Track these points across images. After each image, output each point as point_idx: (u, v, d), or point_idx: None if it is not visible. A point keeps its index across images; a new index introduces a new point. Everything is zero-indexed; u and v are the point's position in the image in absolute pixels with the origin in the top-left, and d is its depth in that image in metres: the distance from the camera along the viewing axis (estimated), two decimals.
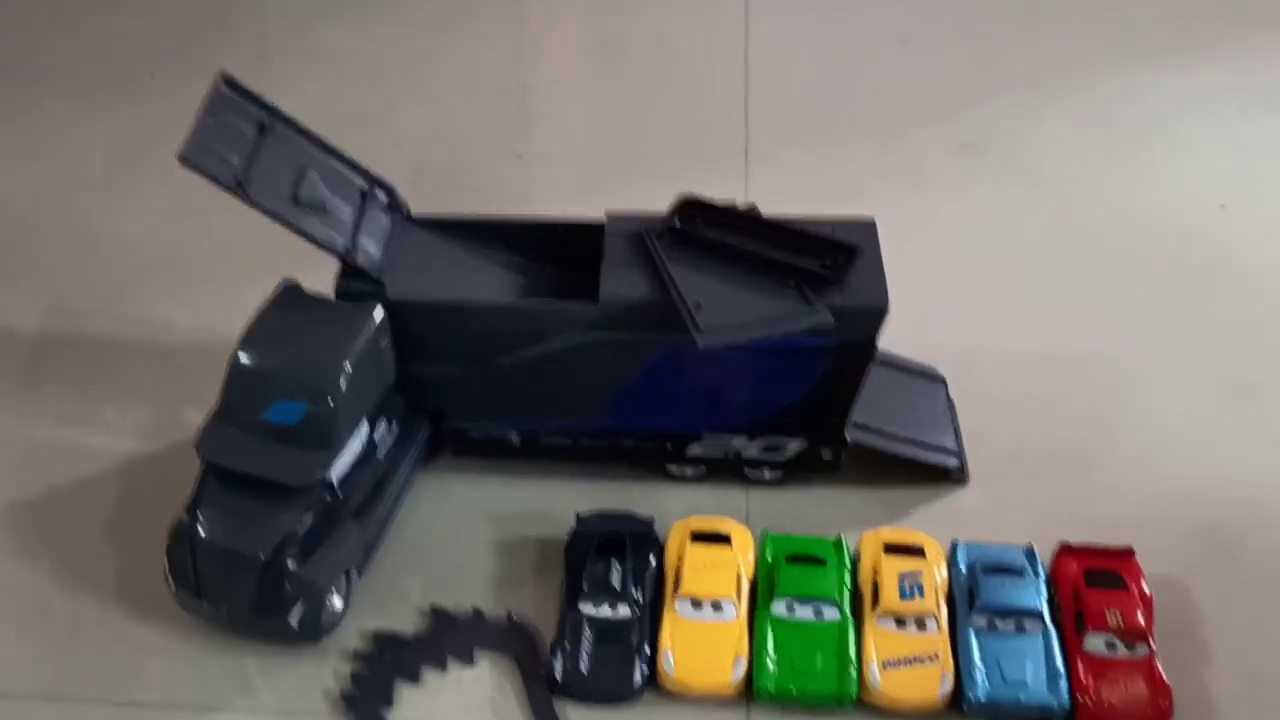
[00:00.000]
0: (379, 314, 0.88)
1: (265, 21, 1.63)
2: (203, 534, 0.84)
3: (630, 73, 1.55)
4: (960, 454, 1.04)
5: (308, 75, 1.50)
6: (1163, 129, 1.45)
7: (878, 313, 0.89)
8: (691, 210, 0.94)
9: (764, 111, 1.47)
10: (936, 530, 0.97)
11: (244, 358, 0.85)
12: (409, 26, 1.61)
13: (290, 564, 0.85)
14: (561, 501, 1.01)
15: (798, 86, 1.51)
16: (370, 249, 0.91)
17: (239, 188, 0.85)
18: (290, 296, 0.89)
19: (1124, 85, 1.51)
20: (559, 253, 1.00)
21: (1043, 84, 1.52)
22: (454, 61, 1.55)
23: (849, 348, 0.91)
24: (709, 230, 0.92)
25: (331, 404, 0.84)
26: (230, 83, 0.87)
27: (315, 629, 0.87)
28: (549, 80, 1.55)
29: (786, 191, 1.34)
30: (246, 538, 0.84)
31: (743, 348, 0.88)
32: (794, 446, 0.99)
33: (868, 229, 0.95)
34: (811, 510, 1.02)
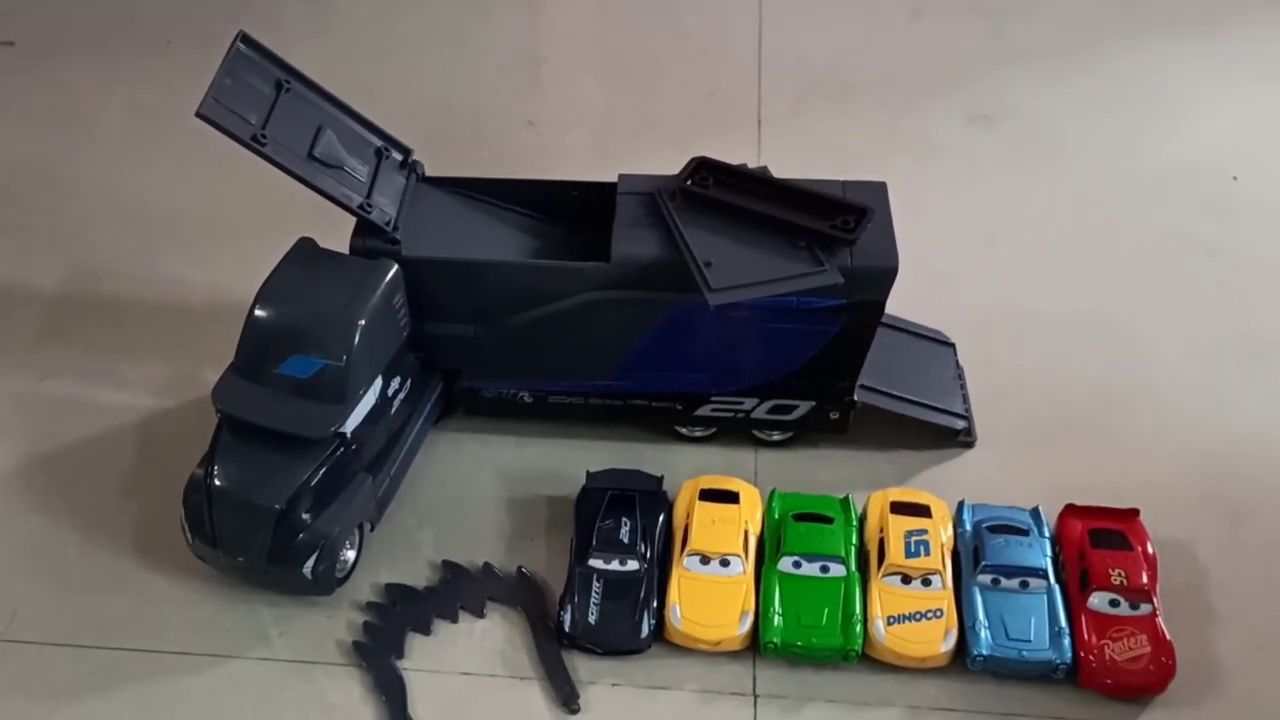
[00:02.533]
0: (393, 271, 0.89)
1: None
2: (219, 485, 0.86)
3: (643, 42, 1.55)
4: (968, 417, 1.05)
5: (322, 43, 1.51)
6: (1176, 100, 1.44)
7: (888, 273, 0.90)
8: (703, 171, 0.94)
9: (777, 81, 1.47)
10: (943, 492, 0.98)
11: (259, 312, 0.86)
12: None
13: (305, 515, 0.86)
14: (572, 460, 1.02)
15: (810, 57, 1.51)
16: (385, 207, 0.92)
17: (256, 143, 0.85)
18: (306, 252, 0.90)
19: (1138, 56, 1.51)
20: (571, 212, 1.01)
21: (1056, 55, 1.51)
22: (468, 30, 1.56)
23: (858, 308, 0.91)
24: (721, 191, 0.93)
25: (346, 359, 0.85)
26: (248, 41, 0.88)
27: (329, 580, 0.89)
28: (562, 49, 1.56)
29: (798, 160, 1.34)
30: (262, 489, 0.85)
31: (752, 308, 0.89)
32: (802, 408, 1.00)
33: (879, 190, 0.96)
34: (819, 470, 1.03)
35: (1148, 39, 1.53)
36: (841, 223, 0.90)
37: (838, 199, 0.92)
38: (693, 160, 0.95)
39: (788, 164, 1.32)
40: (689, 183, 0.94)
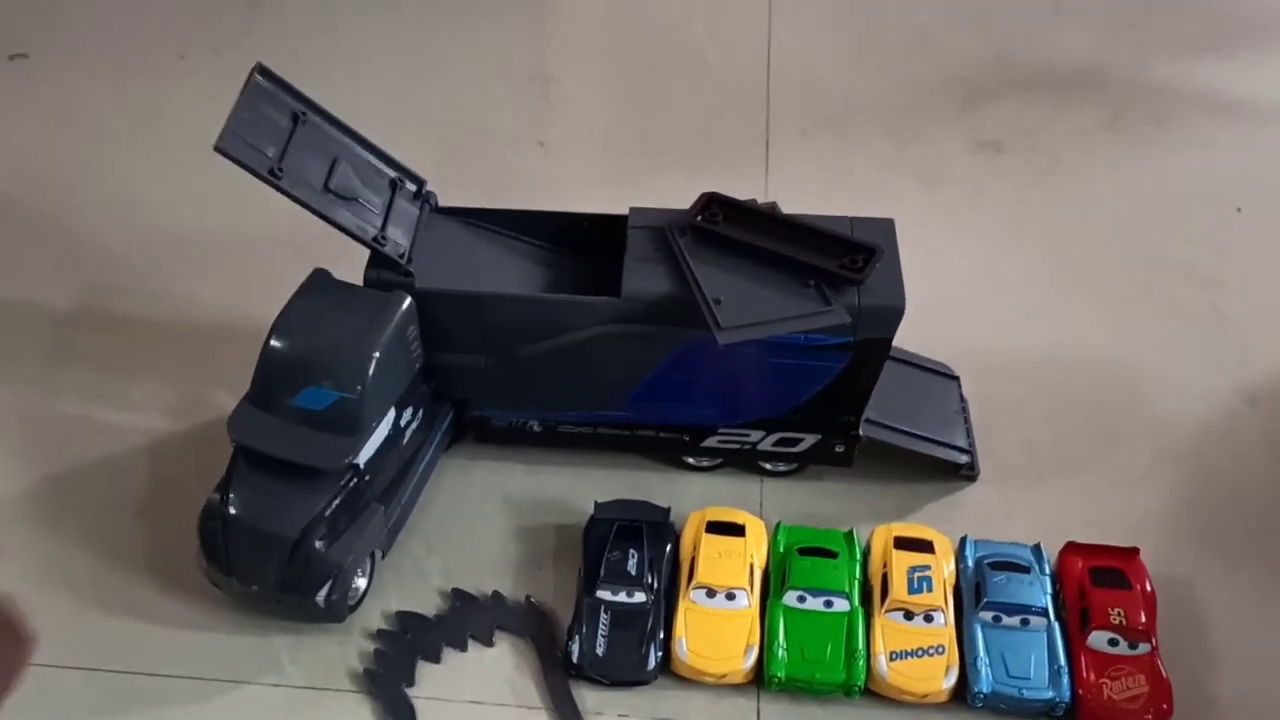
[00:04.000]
0: (407, 303, 0.90)
1: (290, 6, 1.65)
2: (234, 514, 0.87)
3: (652, 61, 1.56)
4: (971, 451, 1.06)
5: (334, 60, 1.52)
6: (1181, 130, 1.45)
7: (894, 313, 0.91)
8: (714, 207, 0.95)
9: (785, 105, 1.48)
10: (946, 526, 0.99)
11: (275, 344, 0.87)
12: (435, 13, 1.63)
13: (318, 545, 0.87)
14: (580, 488, 1.03)
15: (818, 81, 1.52)
16: (399, 239, 0.93)
17: (273, 177, 0.86)
18: (321, 284, 0.91)
19: (1144, 85, 1.52)
20: (582, 243, 1.02)
21: (1063, 82, 1.53)
22: (479, 49, 1.57)
23: (865, 346, 0.93)
24: (730, 227, 0.94)
25: (360, 391, 0.86)
26: (265, 73, 0.89)
27: (340, 608, 0.90)
28: (572, 70, 1.57)
29: (806, 185, 1.37)
30: (277, 518, 0.86)
31: (761, 344, 0.90)
32: (808, 440, 1.01)
33: (886, 228, 0.97)
34: (824, 502, 1.04)
35: (1152, 68, 1.54)
36: (849, 262, 0.91)
37: (846, 238, 0.93)
38: (703, 196, 0.96)
39: (795, 188, 1.34)
40: (699, 218, 0.95)
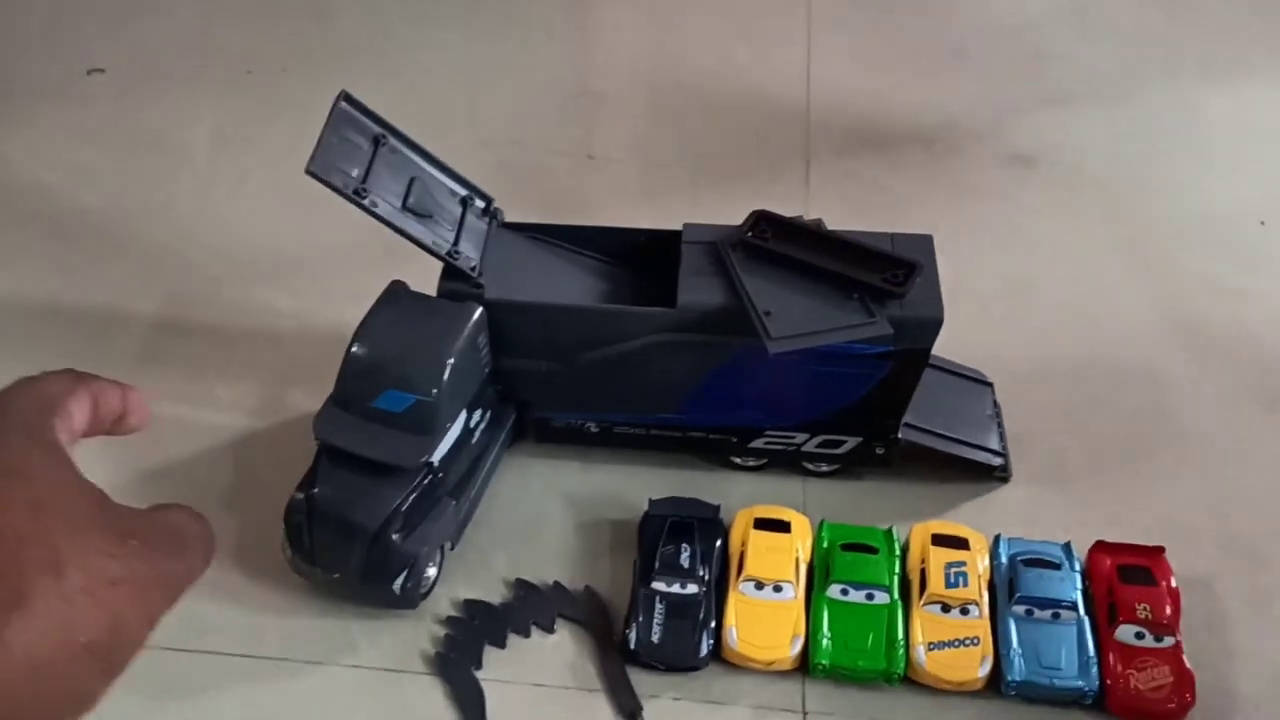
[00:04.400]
0: (478, 313, 0.97)
1: (353, 27, 1.72)
2: (319, 506, 0.94)
3: (696, 84, 1.62)
4: (1004, 454, 1.12)
5: (392, 78, 1.59)
6: (1210, 144, 1.51)
7: (934, 324, 0.97)
8: (763, 224, 1.02)
9: (824, 121, 1.54)
10: (980, 524, 1.05)
11: (358, 350, 0.94)
12: (488, 33, 1.70)
13: (395, 537, 0.94)
14: (634, 486, 1.10)
15: (857, 98, 1.58)
16: (470, 253, 1.00)
17: (358, 196, 0.93)
18: (398, 295, 0.98)
19: (1174, 100, 1.57)
20: (638, 257, 1.08)
21: (1093, 97, 1.58)
22: (531, 67, 1.64)
23: (905, 355, 0.99)
24: (779, 243, 1.00)
25: (436, 394, 0.93)
26: (350, 100, 0.95)
27: (414, 596, 0.97)
28: (619, 84, 1.63)
29: (845, 200, 1.43)
30: (359, 511, 0.93)
31: (807, 353, 0.96)
32: (850, 443, 1.07)
33: (925, 243, 1.02)
34: (864, 501, 1.10)
35: (1184, 84, 1.59)
36: (891, 276, 0.97)
37: (887, 253, 0.99)
38: (753, 214, 1.02)
39: (834, 202, 1.40)
40: (749, 234, 1.01)
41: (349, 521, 0.93)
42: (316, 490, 0.94)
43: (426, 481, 0.96)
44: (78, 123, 1.54)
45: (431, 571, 0.99)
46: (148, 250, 1.36)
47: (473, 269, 0.99)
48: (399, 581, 0.95)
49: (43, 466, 0.45)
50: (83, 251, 1.35)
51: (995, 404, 1.16)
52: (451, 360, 0.94)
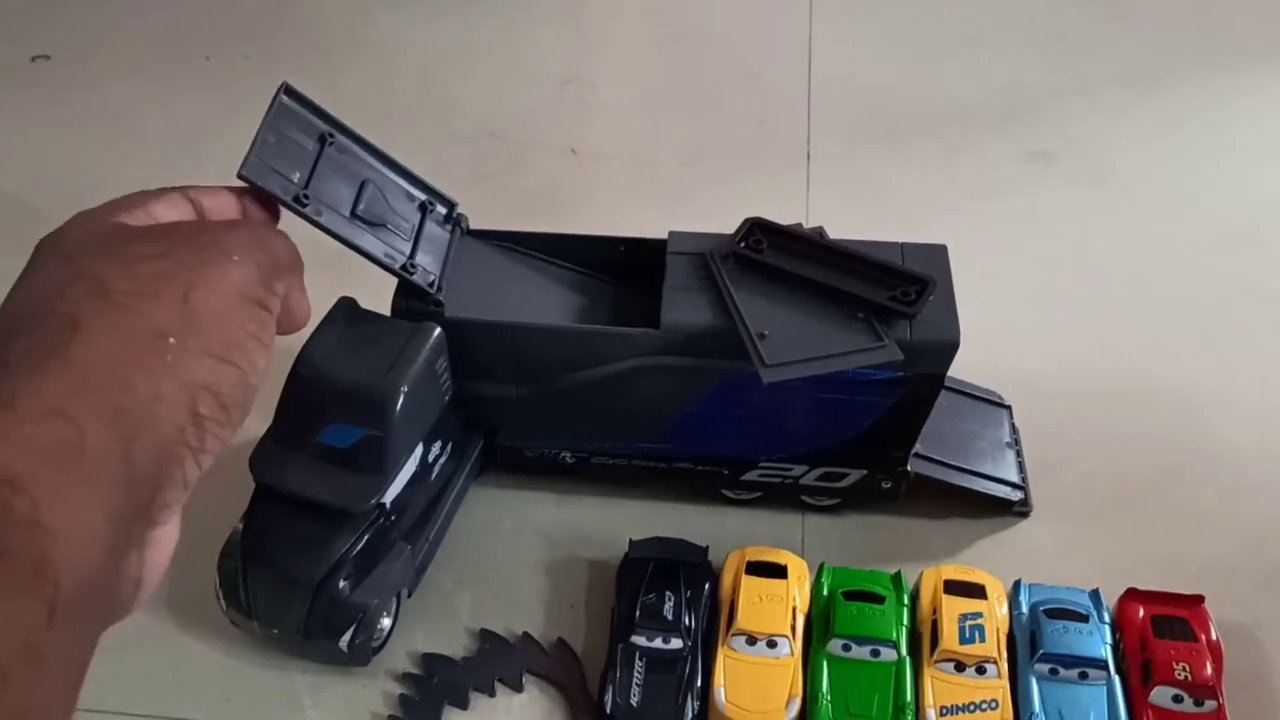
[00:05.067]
0: (436, 334, 0.86)
1: (321, 6, 1.61)
2: (255, 556, 0.83)
3: (691, 66, 1.52)
4: (1024, 486, 1.01)
5: (362, 64, 1.48)
6: (1243, 139, 1.40)
7: (948, 347, 0.86)
8: (757, 233, 0.91)
9: (827, 113, 1.43)
10: (998, 566, 0.94)
11: (298, 379, 0.83)
12: (466, 15, 1.59)
13: (342, 588, 0.84)
14: (614, 520, 0.99)
15: (862, 88, 1.47)
16: (429, 266, 0.89)
17: (298, 204, 0.82)
18: (347, 314, 0.87)
19: (1204, 91, 1.46)
20: (620, 268, 0.98)
21: (1118, 88, 1.47)
22: (511, 52, 1.53)
23: (916, 381, 0.88)
24: (775, 255, 0.89)
25: (387, 428, 0.82)
26: (291, 93, 0.84)
27: (365, 652, 0.87)
28: (607, 75, 1.52)
29: (849, 197, 1.32)
30: (299, 562, 0.83)
31: (807, 380, 0.85)
32: (853, 476, 0.97)
33: (938, 254, 0.91)
34: (869, 539, 0.99)
35: (1214, 75, 1.48)
36: (901, 294, 0.86)
37: (897, 267, 0.88)
38: (746, 221, 0.91)
39: (837, 201, 1.29)
40: (742, 245, 0.90)
41: (288, 574, 0.83)
42: (252, 536, 0.84)
43: (378, 525, 0.85)
44: (20, 112, 1.43)
45: (385, 623, 0.89)
46: None
47: (431, 284, 0.88)
48: (346, 637, 0.85)
49: (88, 227, 0.54)
50: (22, 253, 1.24)
51: (1014, 429, 1.05)
52: (405, 389, 0.83)
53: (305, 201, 0.82)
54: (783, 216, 0.92)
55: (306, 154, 0.84)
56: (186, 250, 0.51)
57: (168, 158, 1.38)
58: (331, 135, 0.85)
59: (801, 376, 0.83)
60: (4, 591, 0.39)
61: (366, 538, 0.85)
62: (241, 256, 0.53)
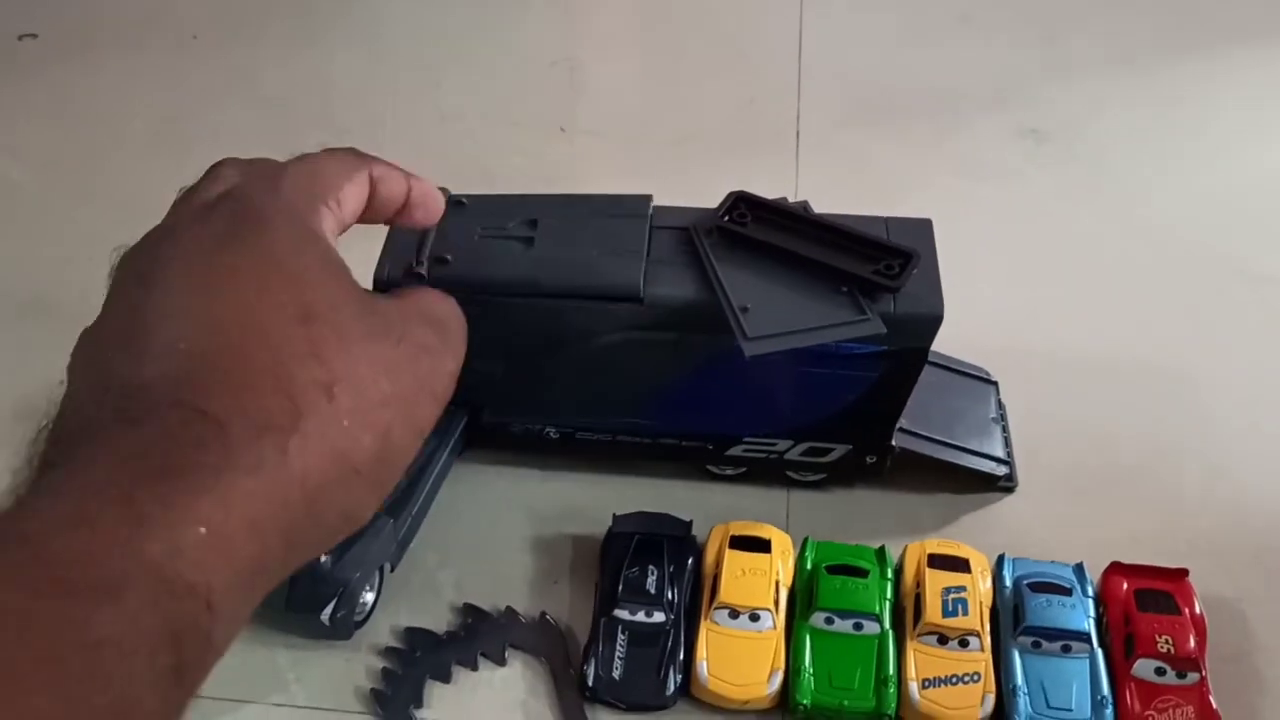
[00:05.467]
0: None
1: None
2: None
3: (680, 50, 1.51)
4: (1010, 462, 1.01)
5: (350, 44, 1.47)
6: (1235, 118, 1.39)
7: (932, 321, 0.86)
8: (741, 207, 0.90)
9: (817, 92, 1.42)
10: (982, 540, 0.94)
11: None
12: None
13: (324, 562, 0.83)
14: (599, 496, 0.99)
15: (852, 66, 1.47)
16: (409, 236, 0.88)
17: None
18: None
19: (1200, 69, 1.45)
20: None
21: (1113, 66, 1.46)
22: (501, 32, 1.52)
23: (900, 356, 0.87)
24: (759, 229, 0.88)
25: None
26: None
27: (347, 626, 0.86)
28: (597, 54, 1.51)
29: (838, 176, 1.31)
30: None
31: (790, 354, 0.85)
32: (838, 451, 0.97)
33: (924, 229, 0.91)
34: (854, 513, 0.99)
35: (1210, 52, 1.47)
36: (885, 268, 0.86)
37: (881, 241, 0.87)
38: (730, 195, 0.91)
39: (827, 180, 1.29)
40: (726, 219, 0.89)
41: None
42: None
43: None
44: (5, 91, 1.42)
45: (368, 597, 0.89)
46: (80, 234, 1.24)
47: (412, 255, 0.87)
48: (328, 611, 0.84)
49: (314, 268, 0.44)
50: (4, 236, 1.24)
51: (1000, 405, 1.05)
52: None
53: None
54: (773, 192, 0.91)
55: None
56: (406, 374, 0.46)
57: (154, 138, 1.37)
58: None
59: (784, 350, 0.83)
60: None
61: None
62: (435, 393, 0.52)
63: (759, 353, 0.82)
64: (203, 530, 0.35)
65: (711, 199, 0.92)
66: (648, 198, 0.92)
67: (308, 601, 0.84)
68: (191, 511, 0.36)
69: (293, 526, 0.40)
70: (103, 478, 0.35)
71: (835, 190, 1.26)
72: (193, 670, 0.35)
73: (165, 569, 0.34)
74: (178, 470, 0.36)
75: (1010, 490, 1.01)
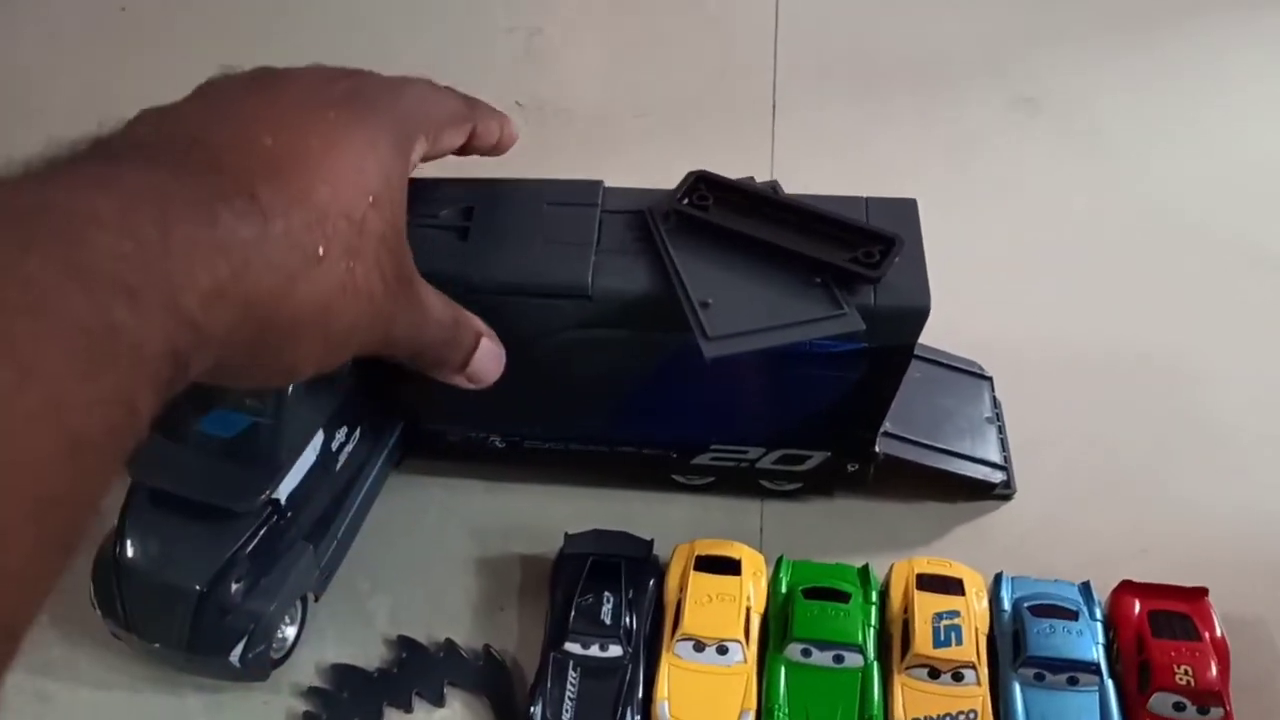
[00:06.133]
0: None
1: None
2: (130, 561, 0.73)
3: (647, 16, 1.40)
4: (1006, 467, 0.92)
5: (293, 11, 1.36)
6: (1242, 85, 1.29)
7: (917, 314, 0.75)
8: (702, 187, 0.80)
9: (794, 61, 1.32)
10: (977, 555, 0.85)
11: None
12: None
13: (231, 595, 0.73)
14: (551, 509, 0.89)
15: (833, 32, 1.36)
16: None
17: None
18: None
19: (1197, 41, 1.35)
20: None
21: (1109, 31, 1.36)
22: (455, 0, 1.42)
23: (883, 353, 0.78)
24: (723, 213, 0.78)
25: (277, 415, 0.72)
26: None
27: (263, 665, 0.77)
28: (559, 21, 1.41)
29: (817, 152, 1.21)
30: (180, 567, 0.73)
31: (759, 353, 0.75)
32: (816, 458, 0.87)
33: (907, 210, 0.81)
34: (834, 527, 0.90)
35: (1210, 17, 1.37)
36: (864, 255, 0.75)
37: (859, 225, 0.77)
38: (690, 175, 0.80)
39: (805, 156, 1.18)
40: (685, 202, 0.79)
41: (166, 580, 0.72)
42: (127, 539, 0.74)
43: (271, 524, 0.75)
44: None
45: (288, 631, 0.79)
46: None
47: None
48: (238, 651, 0.75)
49: (379, 177, 0.53)
50: None
51: (995, 402, 0.95)
52: None
53: None
54: (746, 173, 0.81)
55: None
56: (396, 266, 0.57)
57: (76, 120, 1.26)
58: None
59: (750, 350, 0.73)
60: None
61: (258, 539, 0.74)
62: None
63: (721, 354, 0.72)
64: (219, 272, 0.41)
65: (677, 179, 0.81)
66: (598, 183, 0.82)
67: (213, 641, 0.74)
68: (210, 261, 0.41)
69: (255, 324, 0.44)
70: (145, 188, 0.41)
71: (814, 168, 1.17)
72: (155, 407, 0.40)
73: (179, 299, 0.39)
74: (209, 219, 0.42)
75: (1007, 498, 0.91)
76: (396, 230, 0.54)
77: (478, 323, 0.71)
